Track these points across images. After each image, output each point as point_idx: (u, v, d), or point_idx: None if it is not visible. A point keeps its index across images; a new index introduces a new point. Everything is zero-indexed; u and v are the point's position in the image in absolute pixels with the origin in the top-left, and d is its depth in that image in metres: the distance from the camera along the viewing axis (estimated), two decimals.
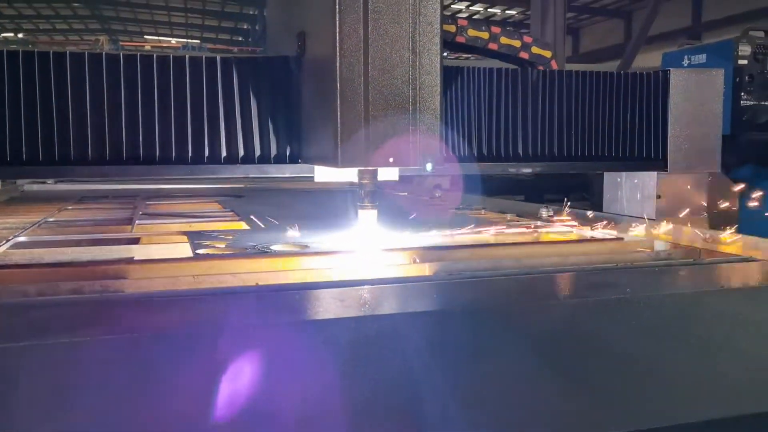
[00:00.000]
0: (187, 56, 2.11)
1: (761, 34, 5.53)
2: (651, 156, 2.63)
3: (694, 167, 2.65)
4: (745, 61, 5.31)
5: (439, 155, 1.75)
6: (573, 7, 23.53)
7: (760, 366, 1.37)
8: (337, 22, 1.63)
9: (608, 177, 2.88)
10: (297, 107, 2.10)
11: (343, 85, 1.65)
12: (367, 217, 1.93)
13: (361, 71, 1.66)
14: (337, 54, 1.64)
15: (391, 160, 1.70)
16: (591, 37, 27.71)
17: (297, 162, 2.14)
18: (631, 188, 2.75)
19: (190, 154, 2.10)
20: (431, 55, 1.71)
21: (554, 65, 2.60)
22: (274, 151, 2.15)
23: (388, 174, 1.91)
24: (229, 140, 2.13)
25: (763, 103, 5.28)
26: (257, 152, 2.15)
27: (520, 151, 2.48)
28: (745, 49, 5.28)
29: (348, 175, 1.90)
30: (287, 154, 2.15)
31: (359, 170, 1.87)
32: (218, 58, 2.14)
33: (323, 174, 1.99)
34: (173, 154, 2.09)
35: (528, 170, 2.53)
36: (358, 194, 1.94)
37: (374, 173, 1.89)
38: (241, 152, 2.14)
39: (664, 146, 2.62)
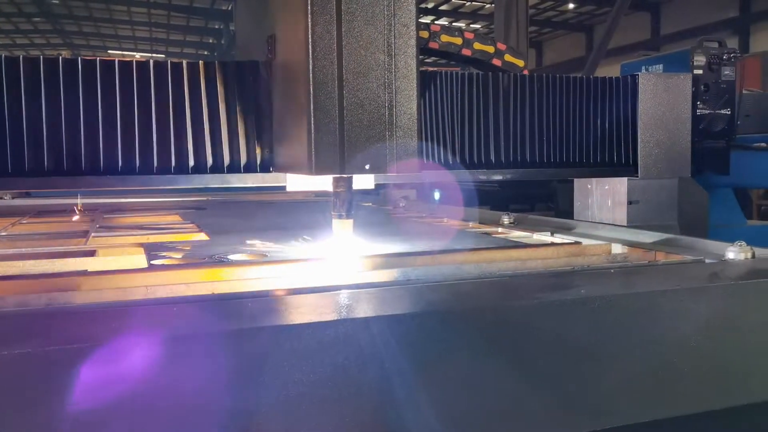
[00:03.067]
0: (151, 61, 2.03)
1: (716, 44, 5.61)
2: (622, 162, 2.62)
3: (665, 172, 2.64)
4: (700, 71, 5.37)
5: (417, 161, 1.71)
6: (535, 21, 23.92)
7: (711, 364, 1.41)
8: (309, 24, 1.58)
9: (578, 184, 2.85)
10: (268, 113, 2.04)
11: (316, 88, 1.60)
12: (342, 227, 1.86)
13: (335, 74, 1.61)
14: (310, 57, 1.59)
15: (367, 167, 1.65)
16: (553, 51, 28.18)
17: (268, 171, 2.07)
18: (602, 195, 2.73)
19: (155, 164, 2.02)
20: (407, 57, 1.67)
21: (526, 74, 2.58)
22: (243, 160, 2.08)
23: (363, 182, 1.85)
24: (196, 149, 2.05)
25: (718, 111, 5.35)
26: (226, 161, 2.08)
27: (492, 158, 2.44)
28: (700, 59, 5.34)
29: (322, 183, 1.84)
30: (258, 162, 2.08)
31: (334, 178, 1.81)
32: (184, 63, 2.06)
33: (296, 183, 1.92)
34: (137, 165, 2.01)
35: (498, 177, 2.49)
36: (333, 203, 1.87)
37: (349, 181, 1.83)
38: (210, 161, 2.07)
39: (635, 152, 2.61)
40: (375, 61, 1.63)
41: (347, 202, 1.83)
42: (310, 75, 1.59)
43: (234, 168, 2.09)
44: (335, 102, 1.61)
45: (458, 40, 2.46)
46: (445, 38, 2.44)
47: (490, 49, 2.53)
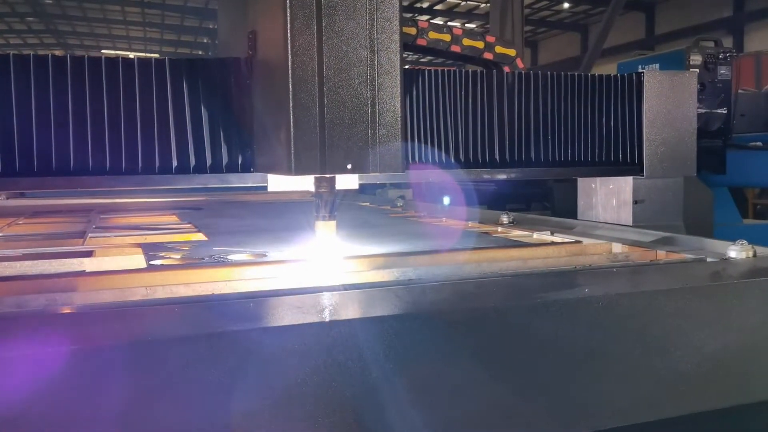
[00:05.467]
0: (136, 59, 2.01)
1: (711, 44, 5.63)
2: (627, 160, 2.60)
3: (670, 171, 2.62)
4: (696, 70, 5.38)
5: (401, 160, 1.66)
6: (531, 20, 23.95)
7: (715, 362, 1.41)
8: (288, 18, 1.53)
9: (582, 183, 2.83)
10: (249, 111, 2.00)
11: (295, 85, 1.54)
12: (326, 228, 1.82)
13: (315, 70, 1.55)
14: (289, 52, 1.53)
15: (349, 166, 1.60)
16: (549, 50, 28.23)
17: (249, 171, 2.05)
18: (606, 194, 2.71)
19: (140, 165, 1.99)
20: (390, 53, 1.61)
21: (520, 63, 2.56)
22: (225, 160, 2.05)
23: (347, 182, 1.81)
24: (179, 149, 2.02)
25: (714, 110, 5.37)
26: (209, 161, 2.05)
27: (496, 157, 2.42)
28: (696, 59, 5.37)
29: (303, 183, 1.79)
30: (239, 162, 2.06)
31: (316, 178, 1.76)
32: (167, 60, 2.03)
33: (277, 183, 1.88)
34: (123, 165, 1.98)
35: (503, 176, 2.47)
36: (315, 204, 1.82)
37: (332, 181, 1.78)
38: (193, 161, 2.04)
39: (640, 150, 2.59)
40: (357, 57, 1.58)
41: (330, 203, 1.78)
42: (289, 72, 1.54)
43: (216, 168, 2.06)
44: (315, 99, 1.56)
45: (447, 37, 2.42)
46: (433, 35, 2.40)
47: (480, 44, 2.50)
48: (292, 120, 1.54)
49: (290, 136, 1.55)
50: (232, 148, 2.06)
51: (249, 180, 2.08)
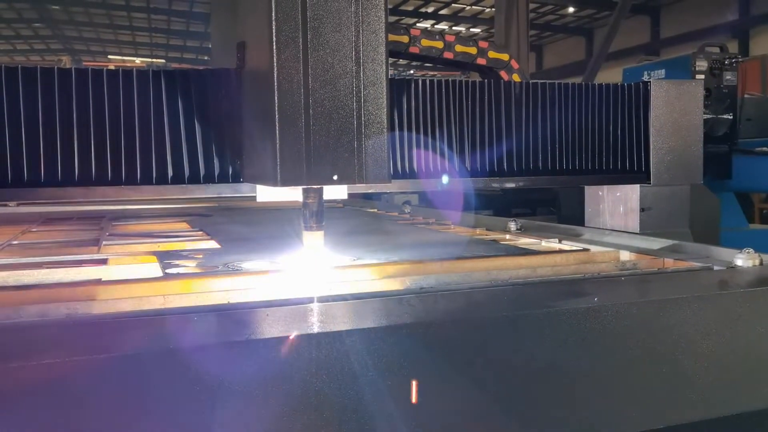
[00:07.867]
0: (134, 69, 2.03)
1: (717, 49, 5.64)
2: (634, 168, 2.62)
3: (677, 179, 2.64)
4: (702, 76, 5.40)
5: (387, 171, 1.66)
6: (535, 24, 23.95)
7: (723, 370, 1.41)
8: (274, 30, 1.52)
9: (589, 190, 2.85)
10: (239, 122, 1.99)
11: (281, 97, 1.54)
12: (313, 239, 1.82)
13: (300, 82, 1.55)
14: (275, 64, 1.53)
15: (335, 177, 1.60)
16: (554, 54, 28.23)
17: (239, 181, 2.06)
18: (613, 201, 2.73)
19: (139, 175, 2.01)
20: (376, 65, 1.61)
21: (514, 64, 2.57)
22: (217, 170, 2.07)
23: (335, 192, 1.81)
24: (174, 159, 2.03)
25: (720, 116, 5.37)
26: (202, 171, 2.06)
27: (504, 165, 2.44)
28: (702, 64, 5.38)
29: (292, 194, 1.79)
30: (230, 172, 2.07)
31: (304, 189, 1.76)
32: (162, 71, 2.05)
33: (266, 194, 1.88)
34: (123, 175, 2.00)
35: (511, 185, 2.49)
36: (302, 214, 1.81)
37: (319, 192, 1.78)
38: (187, 172, 2.05)
39: (647, 158, 2.61)
40: (343, 69, 1.58)
41: (317, 213, 1.78)
42: (275, 83, 1.53)
43: (209, 178, 2.07)
44: (301, 111, 1.55)
45: (439, 44, 2.42)
46: (425, 42, 2.40)
47: (473, 50, 2.50)
48: (278, 132, 1.54)
49: (276, 148, 1.55)
50: (224, 158, 2.08)
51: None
